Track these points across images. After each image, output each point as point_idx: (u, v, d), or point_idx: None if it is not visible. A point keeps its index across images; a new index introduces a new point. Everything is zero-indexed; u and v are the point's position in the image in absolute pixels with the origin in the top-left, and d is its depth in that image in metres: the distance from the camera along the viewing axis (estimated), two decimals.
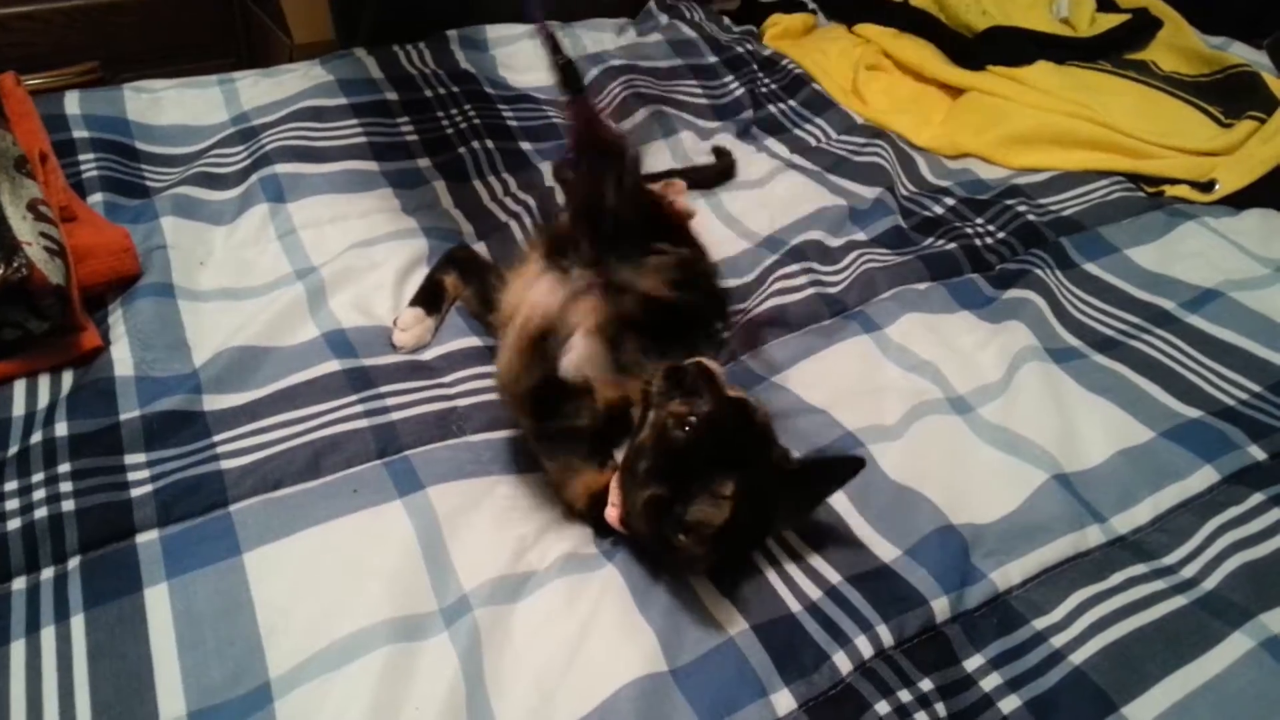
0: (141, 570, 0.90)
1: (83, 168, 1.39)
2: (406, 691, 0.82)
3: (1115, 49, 1.97)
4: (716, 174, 1.61)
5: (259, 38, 2.58)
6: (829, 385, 1.17)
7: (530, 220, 1.42)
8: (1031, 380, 1.16)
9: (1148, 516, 1.02)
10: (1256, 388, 1.19)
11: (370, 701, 0.81)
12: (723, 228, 1.49)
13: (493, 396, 1.11)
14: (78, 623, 0.86)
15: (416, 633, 0.86)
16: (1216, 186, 1.57)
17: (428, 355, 1.18)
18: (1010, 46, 1.93)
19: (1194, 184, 1.59)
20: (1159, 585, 0.94)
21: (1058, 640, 0.89)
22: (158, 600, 0.88)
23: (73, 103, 1.50)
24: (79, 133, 1.45)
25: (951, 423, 1.11)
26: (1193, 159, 1.64)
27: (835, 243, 1.45)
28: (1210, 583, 0.95)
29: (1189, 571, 0.96)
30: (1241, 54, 1.93)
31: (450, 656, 0.84)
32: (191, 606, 0.87)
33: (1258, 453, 1.10)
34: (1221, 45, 1.98)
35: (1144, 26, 2.02)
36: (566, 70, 1.15)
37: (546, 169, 1.55)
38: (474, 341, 1.20)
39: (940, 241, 1.48)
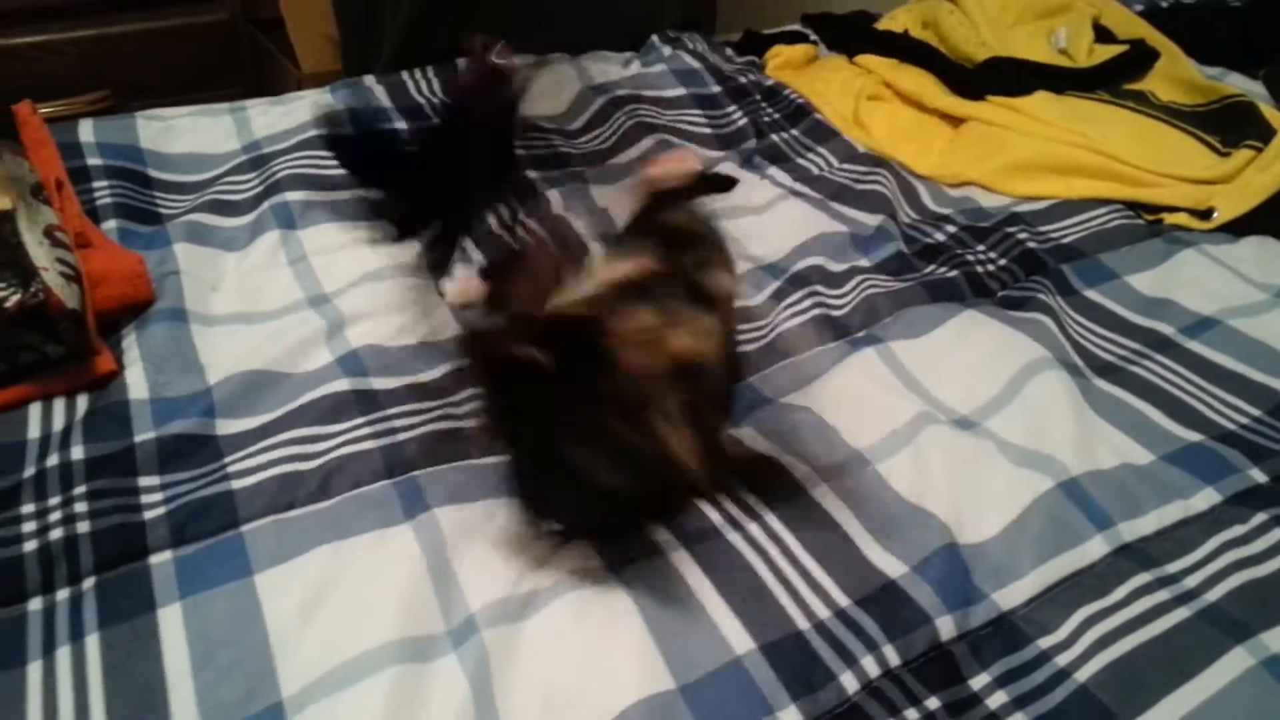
0: (155, 590, 0.91)
1: (96, 195, 1.42)
2: (417, 712, 0.83)
3: (1113, 79, 2.00)
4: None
5: (267, 67, 2.63)
6: (836, 405, 1.18)
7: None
8: (1038, 392, 1.17)
9: (1153, 528, 1.03)
10: (1257, 412, 1.20)
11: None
12: None
13: None
14: (92, 642, 0.87)
15: (425, 654, 0.87)
16: (1215, 214, 1.59)
17: (436, 373, 1.19)
18: (1009, 77, 1.95)
19: (1192, 212, 1.61)
20: (1163, 595, 0.95)
21: (1062, 659, 0.89)
22: (171, 620, 0.89)
23: (87, 131, 1.53)
24: (93, 160, 1.47)
25: (957, 438, 1.12)
26: (1191, 187, 1.66)
27: (838, 268, 1.47)
28: (1213, 595, 0.95)
29: (1192, 582, 0.97)
30: (1238, 84, 1.95)
31: (459, 677, 0.85)
32: (204, 626, 0.88)
33: (1259, 475, 1.10)
34: (1218, 76, 2.00)
35: (1141, 57, 2.04)
36: None
37: (554, 196, 1.57)
38: None
39: (942, 269, 1.50)
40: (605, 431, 0.87)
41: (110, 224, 1.38)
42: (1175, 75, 1.98)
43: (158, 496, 1.00)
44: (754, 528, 1.00)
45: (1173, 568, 0.99)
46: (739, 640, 0.89)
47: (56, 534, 0.95)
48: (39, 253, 1.12)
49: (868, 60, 2.08)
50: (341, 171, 1.51)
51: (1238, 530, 1.02)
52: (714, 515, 1.02)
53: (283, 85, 2.48)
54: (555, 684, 0.86)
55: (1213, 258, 1.48)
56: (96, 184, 1.44)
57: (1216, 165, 1.68)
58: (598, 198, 1.59)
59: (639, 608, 0.91)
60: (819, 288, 1.41)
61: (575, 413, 0.88)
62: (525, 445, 0.94)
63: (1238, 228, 1.57)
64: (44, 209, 1.21)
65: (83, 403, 1.12)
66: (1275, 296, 1.40)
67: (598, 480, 0.88)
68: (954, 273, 1.47)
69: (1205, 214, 1.60)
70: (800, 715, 0.84)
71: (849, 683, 0.87)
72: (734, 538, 0.99)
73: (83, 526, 0.95)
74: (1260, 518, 1.04)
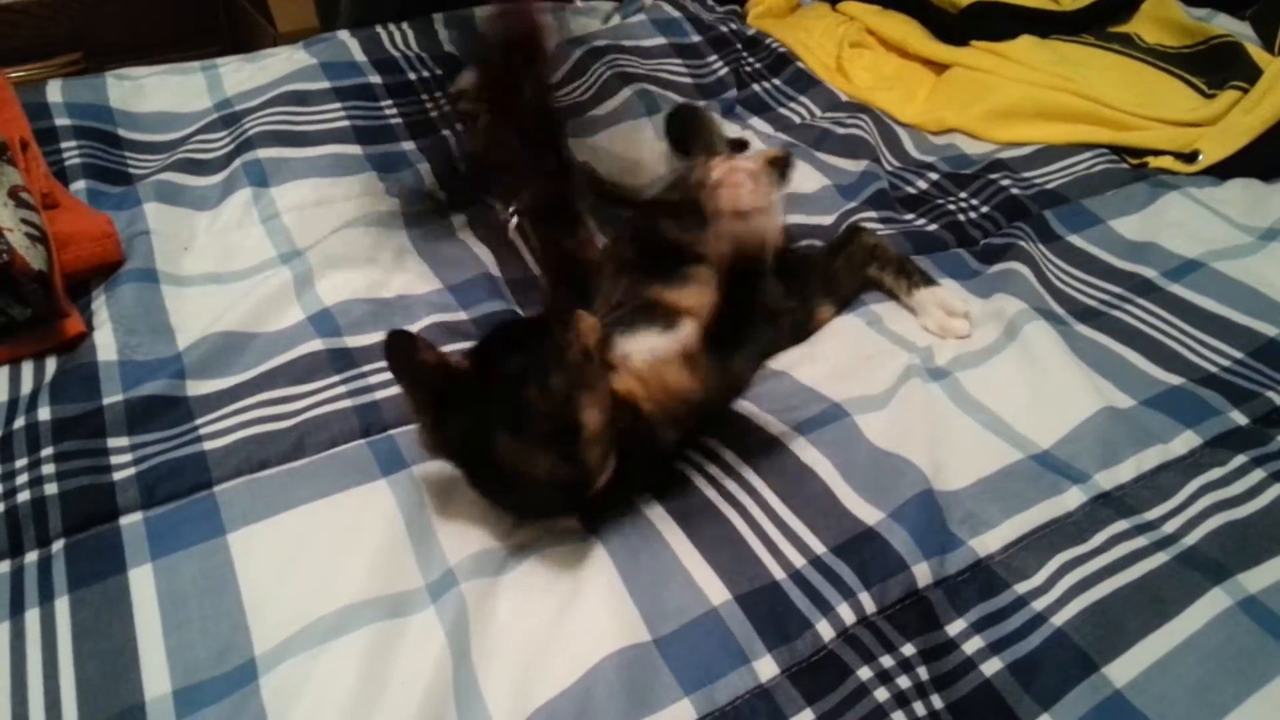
0: (126, 552, 0.90)
1: (65, 155, 1.40)
2: (393, 666, 0.82)
3: (1098, 22, 1.97)
4: None
5: (243, 26, 2.58)
6: (816, 359, 1.18)
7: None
8: (1024, 344, 1.17)
9: (1131, 475, 1.02)
10: (1238, 354, 1.19)
11: (356, 676, 0.81)
12: None
13: None
14: (62, 604, 0.86)
15: (402, 608, 0.87)
16: (1200, 157, 1.57)
17: (413, 328, 1.18)
18: (993, 21, 1.92)
19: (1177, 155, 1.59)
20: (1141, 542, 0.94)
21: (1039, 603, 0.89)
22: (142, 581, 0.88)
23: (55, 91, 1.50)
24: (61, 120, 1.45)
25: (934, 390, 1.11)
26: (1176, 130, 1.64)
27: (827, 220, 1.46)
28: (1191, 539, 0.95)
29: (1170, 527, 0.96)
30: (1225, 25, 1.92)
31: (437, 630, 0.85)
32: (176, 586, 0.88)
33: (1239, 417, 1.10)
34: (1205, 16, 1.97)
35: None
36: None
37: None
38: (460, 316, 1.20)
39: (922, 220, 1.48)
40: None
41: (79, 184, 1.35)
42: (1162, 16, 1.96)
43: (127, 458, 0.99)
44: (730, 483, 1.00)
45: (1151, 514, 0.98)
46: (714, 591, 0.89)
47: (24, 496, 0.94)
48: (2, 214, 1.11)
49: (850, 7, 2.05)
50: (314, 128, 1.49)
51: (1217, 473, 1.02)
52: (690, 471, 1.01)
53: (260, 45, 2.43)
54: (532, 636, 0.85)
55: (1197, 200, 1.46)
56: (65, 144, 1.41)
57: (1202, 107, 1.66)
58: (576, 150, 1.57)
59: (614, 561, 0.91)
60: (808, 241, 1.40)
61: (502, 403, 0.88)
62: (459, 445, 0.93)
63: (1223, 170, 1.55)
64: (8, 169, 1.19)
65: (51, 365, 1.11)
66: (1259, 239, 1.38)
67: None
68: (934, 226, 1.46)
69: (1190, 157, 1.58)
70: (776, 664, 0.84)
71: (825, 631, 0.86)
72: (710, 492, 0.99)
73: (51, 488, 0.94)
74: (1240, 460, 1.03)
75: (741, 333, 0.99)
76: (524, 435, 0.87)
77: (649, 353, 1.00)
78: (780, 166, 1.29)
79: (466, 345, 1.01)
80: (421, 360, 0.91)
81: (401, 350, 0.91)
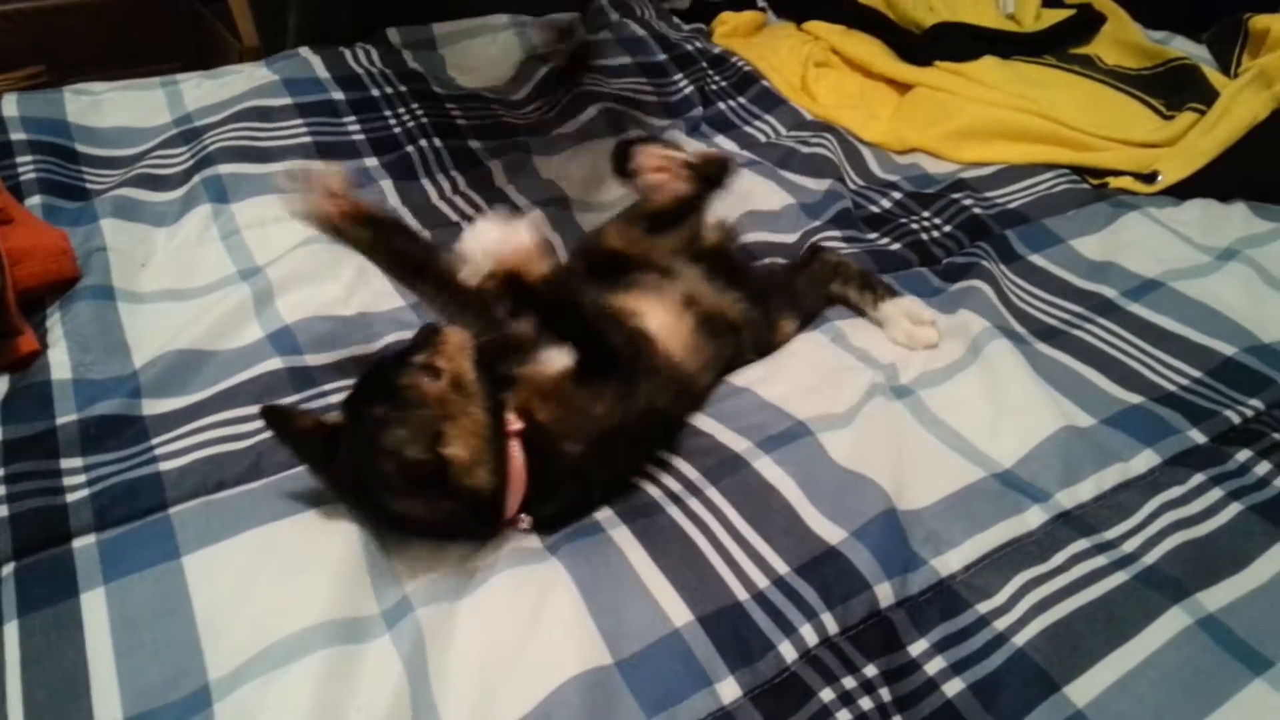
0: (78, 575, 0.89)
1: (20, 170, 1.38)
2: (350, 692, 0.81)
3: (1060, 44, 2.00)
4: None
5: (208, 41, 2.56)
6: (780, 377, 1.17)
7: None
8: (986, 363, 1.18)
9: (1091, 493, 1.03)
10: (1196, 373, 1.20)
11: (312, 702, 0.79)
12: None
13: None
14: (11, 630, 0.84)
15: (359, 635, 0.85)
16: (1159, 178, 1.59)
17: (374, 345, 1.17)
18: (957, 42, 1.95)
19: (1137, 175, 1.61)
20: (1101, 561, 0.95)
21: (1000, 623, 0.89)
22: (94, 605, 0.86)
23: (10, 105, 1.48)
24: (17, 135, 1.43)
25: (897, 408, 1.12)
26: (1136, 151, 1.66)
27: (790, 238, 1.46)
28: (1150, 558, 0.95)
29: (1130, 546, 0.97)
30: (1183, 48, 1.96)
31: (394, 657, 0.84)
32: (129, 610, 0.86)
33: (1198, 436, 1.11)
34: (1164, 39, 2.01)
35: (1088, 21, 2.04)
36: None
37: (496, 166, 1.54)
38: None
39: (885, 240, 1.49)
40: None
41: (35, 200, 1.33)
42: (1121, 38, 1.99)
43: (80, 479, 0.97)
44: (694, 502, 0.99)
45: (1111, 533, 0.99)
46: (677, 613, 0.88)
47: None
48: None
49: (816, 26, 2.07)
50: (276, 143, 1.48)
51: (1176, 492, 1.03)
52: (653, 490, 1.01)
53: (225, 58, 2.42)
54: (491, 660, 0.84)
55: (1157, 220, 1.48)
56: (20, 159, 1.39)
57: (1161, 129, 1.69)
58: (541, 168, 1.57)
59: (576, 584, 0.90)
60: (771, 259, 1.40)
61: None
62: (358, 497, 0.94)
63: (1182, 190, 1.57)
64: None
65: (3, 384, 1.09)
66: (1217, 258, 1.40)
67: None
68: (897, 245, 1.47)
69: (1150, 177, 1.60)
70: (739, 686, 0.83)
71: (787, 652, 0.86)
72: (673, 512, 0.98)
73: (1, 510, 0.93)
74: (1198, 478, 1.04)
75: (614, 362, 1.00)
76: (395, 487, 0.88)
77: (541, 369, 1.00)
78: (715, 168, 1.29)
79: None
80: (298, 426, 0.95)
81: (279, 422, 0.96)
